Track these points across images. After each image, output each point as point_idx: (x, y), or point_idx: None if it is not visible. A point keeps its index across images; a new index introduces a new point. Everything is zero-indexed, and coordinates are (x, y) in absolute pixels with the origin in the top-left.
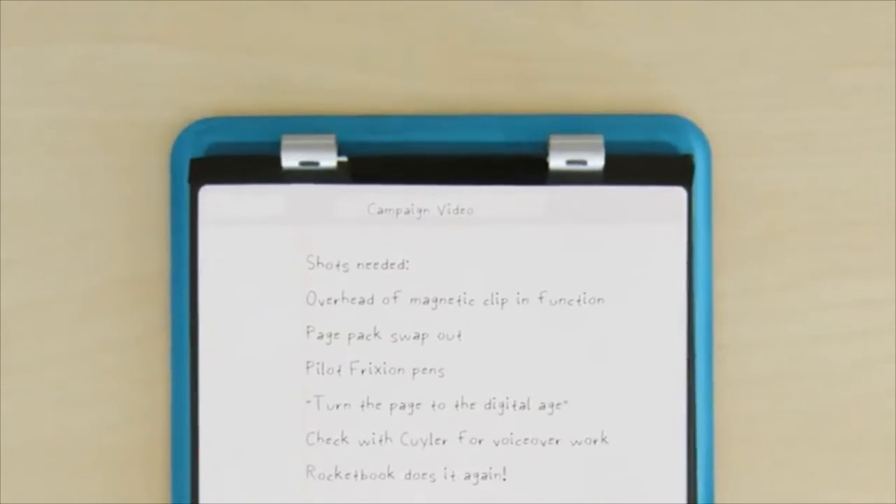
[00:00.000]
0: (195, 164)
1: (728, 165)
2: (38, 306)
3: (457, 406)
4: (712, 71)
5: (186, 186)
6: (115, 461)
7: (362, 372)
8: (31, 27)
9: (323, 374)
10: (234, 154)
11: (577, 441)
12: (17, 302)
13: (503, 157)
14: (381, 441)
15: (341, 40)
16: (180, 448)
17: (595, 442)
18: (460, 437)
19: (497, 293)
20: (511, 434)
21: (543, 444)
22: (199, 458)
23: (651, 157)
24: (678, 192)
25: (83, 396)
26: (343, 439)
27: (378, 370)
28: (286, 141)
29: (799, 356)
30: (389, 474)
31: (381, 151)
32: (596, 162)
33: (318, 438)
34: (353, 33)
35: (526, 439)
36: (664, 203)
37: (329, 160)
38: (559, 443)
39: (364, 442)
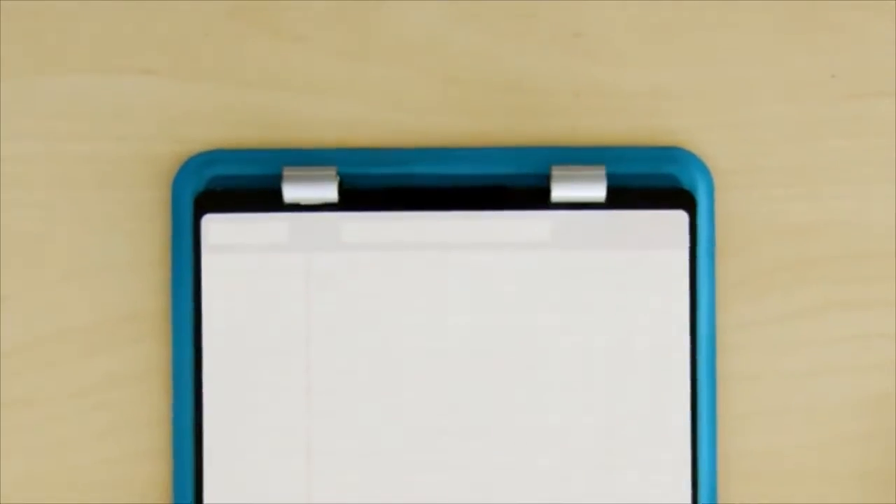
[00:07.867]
0: (199, 198)
1: (731, 198)
2: (38, 342)
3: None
4: (715, 103)
5: (189, 219)
6: (116, 498)
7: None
8: (28, 59)
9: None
10: (237, 188)
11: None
12: (16, 337)
13: (505, 187)
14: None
15: (342, 74)
16: (183, 484)
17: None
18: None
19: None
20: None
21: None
22: (202, 495)
23: (652, 189)
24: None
25: (84, 433)
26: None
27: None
28: (287, 172)
29: (801, 389)
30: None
31: (382, 183)
32: (598, 193)
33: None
34: (353, 67)
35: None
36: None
37: (330, 192)
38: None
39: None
